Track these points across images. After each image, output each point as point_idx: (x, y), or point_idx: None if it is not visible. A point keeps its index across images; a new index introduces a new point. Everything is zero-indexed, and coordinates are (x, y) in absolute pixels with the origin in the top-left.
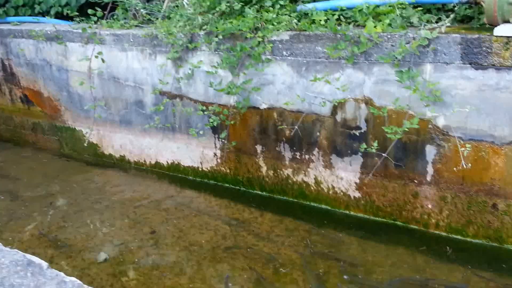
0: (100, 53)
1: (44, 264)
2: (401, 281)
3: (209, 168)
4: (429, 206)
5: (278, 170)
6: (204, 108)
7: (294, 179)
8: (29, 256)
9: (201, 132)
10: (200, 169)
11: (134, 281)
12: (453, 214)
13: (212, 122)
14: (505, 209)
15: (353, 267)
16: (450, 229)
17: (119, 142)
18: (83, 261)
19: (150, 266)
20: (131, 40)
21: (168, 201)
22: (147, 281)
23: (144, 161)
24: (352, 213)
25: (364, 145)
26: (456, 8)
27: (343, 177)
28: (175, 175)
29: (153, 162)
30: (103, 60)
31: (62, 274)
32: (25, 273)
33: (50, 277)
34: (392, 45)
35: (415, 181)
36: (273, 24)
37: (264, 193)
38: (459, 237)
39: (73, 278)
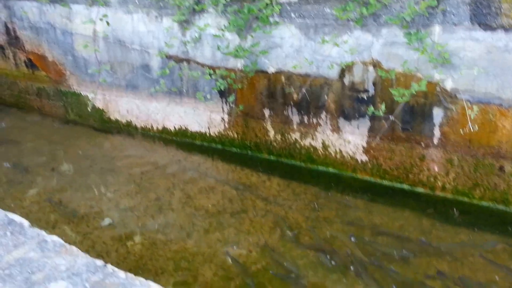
0: (105, 15)
1: (26, 223)
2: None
3: (216, 133)
4: (436, 169)
5: (286, 134)
6: (211, 72)
7: (302, 143)
8: (10, 215)
9: (208, 96)
10: (207, 134)
11: (139, 246)
12: (459, 177)
13: (219, 86)
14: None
15: (360, 229)
16: (456, 192)
17: (126, 107)
18: (87, 226)
19: (155, 230)
20: (137, 2)
21: (175, 166)
22: (152, 245)
23: (151, 126)
24: (359, 176)
25: (371, 108)
26: None
27: (350, 140)
28: (182, 140)
29: (160, 127)
30: (108, 23)
31: (43, 233)
32: (5, 232)
33: (30, 236)
34: (401, 7)
35: (422, 144)
36: None
37: (271, 157)
38: (465, 199)
39: (55, 237)
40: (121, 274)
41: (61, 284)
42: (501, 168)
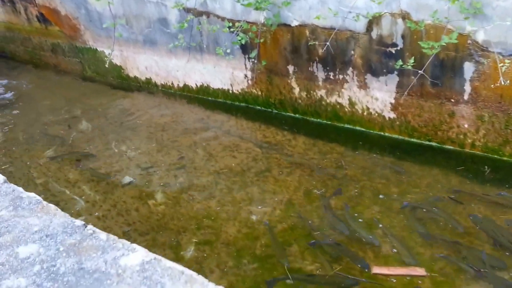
0: None
1: (1, 178)
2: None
3: (239, 90)
4: (466, 125)
5: (311, 92)
6: (231, 25)
7: (328, 101)
8: None
9: (229, 52)
10: (230, 92)
11: (161, 205)
12: (489, 134)
13: (240, 41)
14: None
15: (387, 188)
16: (486, 149)
17: (144, 64)
18: (107, 185)
19: (178, 189)
20: None
21: (197, 125)
22: (174, 204)
23: (172, 83)
24: (386, 134)
25: (400, 63)
26: None
27: (378, 97)
28: (204, 98)
29: (181, 85)
30: None
31: (20, 189)
32: None
33: (4, 192)
34: None
35: (452, 100)
36: None
37: (297, 115)
38: (495, 156)
39: (32, 194)
40: (102, 235)
41: (32, 247)
42: None
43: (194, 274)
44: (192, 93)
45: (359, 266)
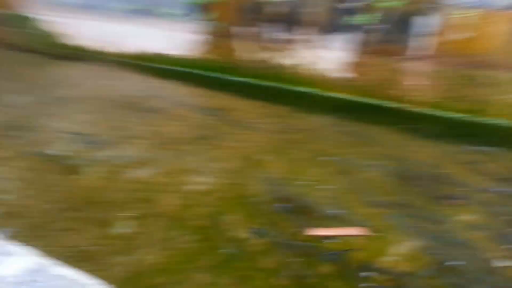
0: None
1: None
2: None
3: (182, 54)
4: (415, 82)
5: (258, 53)
6: None
7: (275, 62)
8: None
9: (176, 15)
10: (172, 56)
11: (92, 178)
12: (438, 90)
13: (188, 1)
14: (491, 81)
15: (336, 147)
16: (434, 105)
17: (85, 30)
18: (36, 160)
19: (119, 162)
20: None
21: (142, 93)
22: (103, 176)
23: (116, 50)
24: (335, 94)
25: (352, 20)
26: None
27: (326, 56)
28: (145, 64)
29: (125, 51)
30: None
31: None
32: None
33: None
34: None
35: (402, 56)
36: None
37: (243, 79)
38: (442, 113)
39: None
40: None
41: None
42: (480, 79)
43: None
44: (137, 60)
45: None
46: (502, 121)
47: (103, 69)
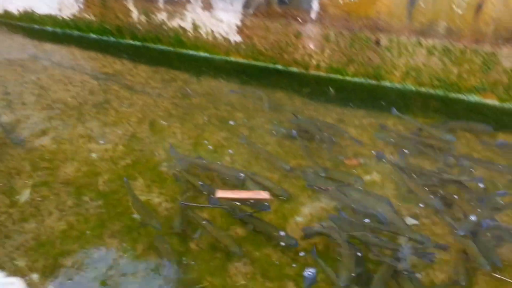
0: None
1: None
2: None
3: (70, 16)
4: (311, 46)
5: (151, 15)
6: None
7: (170, 25)
8: None
9: None
10: (59, 18)
11: None
12: (335, 54)
13: None
14: (388, 45)
15: (235, 111)
16: (330, 69)
17: None
18: None
19: (6, 129)
20: None
21: (23, 56)
22: (4, 146)
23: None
24: (232, 59)
25: None
26: None
27: (223, 19)
28: (30, 26)
29: (1, 11)
30: None
31: None
32: None
33: None
34: None
35: (299, 19)
36: None
37: (136, 42)
38: (339, 76)
39: None
40: None
41: None
42: (377, 42)
43: None
44: (14, 20)
45: (205, 193)
46: (399, 85)
47: None
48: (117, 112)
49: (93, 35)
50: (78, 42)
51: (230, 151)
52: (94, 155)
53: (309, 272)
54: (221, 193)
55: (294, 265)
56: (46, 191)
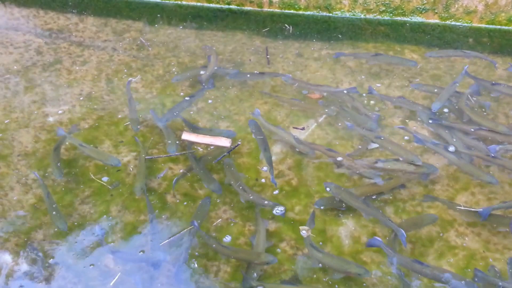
0: None
1: None
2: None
3: None
4: None
5: None
6: None
7: None
8: None
9: None
10: None
11: None
12: None
13: None
14: None
15: (194, 59)
16: (283, 5)
17: None
18: None
19: None
20: None
21: None
22: None
23: None
24: (184, 2)
25: None
26: None
27: None
28: None
29: None
30: None
31: None
32: None
33: None
34: None
35: None
36: None
37: None
38: (292, 11)
39: None
40: None
41: None
42: None
43: None
44: None
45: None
46: (349, 14)
47: None
48: (69, 72)
49: None
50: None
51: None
52: (51, 119)
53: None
54: (186, 135)
55: None
56: (4, 166)
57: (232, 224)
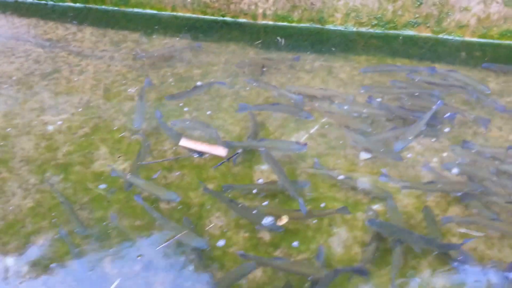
0: None
1: None
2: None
3: None
4: None
5: None
6: None
7: None
8: None
9: None
10: None
11: None
12: (279, 1)
13: None
14: None
15: (189, 69)
16: (276, 17)
17: None
18: None
19: None
20: None
21: None
22: None
23: None
24: (180, 14)
25: None
26: None
27: None
28: None
29: None
30: None
31: None
32: None
33: None
34: None
35: None
36: None
37: (78, 4)
38: (285, 23)
39: None
40: None
41: None
42: None
43: None
44: None
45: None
46: (342, 27)
47: None
48: (68, 81)
49: (29, 0)
50: (15, 9)
51: (198, 109)
52: (50, 127)
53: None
54: (184, 141)
55: None
56: (6, 172)
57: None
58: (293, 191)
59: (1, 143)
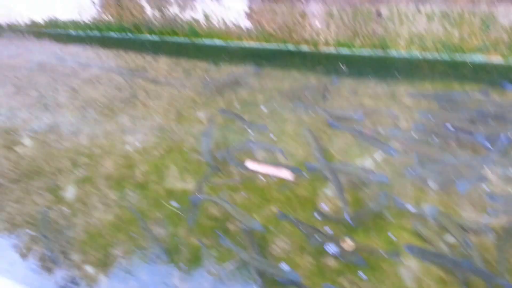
0: None
1: None
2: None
3: (90, 19)
4: (317, 24)
5: (164, 10)
6: None
7: (183, 17)
8: None
9: None
10: (80, 21)
11: (30, 149)
12: (340, 29)
13: None
14: (388, 15)
15: (253, 95)
16: (338, 44)
17: None
18: None
19: (45, 130)
20: None
21: (53, 61)
22: (44, 146)
23: (16, 21)
24: (245, 43)
25: None
26: None
27: (231, 7)
28: (55, 31)
29: (27, 21)
30: None
31: None
32: None
33: None
34: None
35: (301, 0)
36: None
37: (154, 36)
38: (347, 50)
39: None
40: None
41: None
42: (378, 13)
43: None
44: (40, 28)
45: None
46: (405, 53)
47: (11, 40)
48: (144, 106)
49: (113, 34)
50: (100, 42)
51: (266, 133)
52: (128, 147)
53: None
54: (250, 164)
55: None
56: (89, 187)
57: None
58: None
59: (87, 161)
